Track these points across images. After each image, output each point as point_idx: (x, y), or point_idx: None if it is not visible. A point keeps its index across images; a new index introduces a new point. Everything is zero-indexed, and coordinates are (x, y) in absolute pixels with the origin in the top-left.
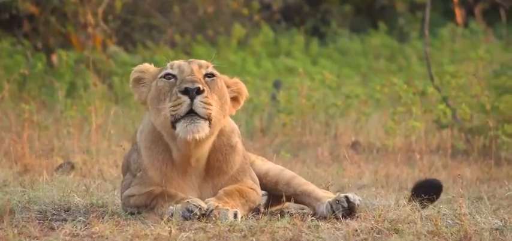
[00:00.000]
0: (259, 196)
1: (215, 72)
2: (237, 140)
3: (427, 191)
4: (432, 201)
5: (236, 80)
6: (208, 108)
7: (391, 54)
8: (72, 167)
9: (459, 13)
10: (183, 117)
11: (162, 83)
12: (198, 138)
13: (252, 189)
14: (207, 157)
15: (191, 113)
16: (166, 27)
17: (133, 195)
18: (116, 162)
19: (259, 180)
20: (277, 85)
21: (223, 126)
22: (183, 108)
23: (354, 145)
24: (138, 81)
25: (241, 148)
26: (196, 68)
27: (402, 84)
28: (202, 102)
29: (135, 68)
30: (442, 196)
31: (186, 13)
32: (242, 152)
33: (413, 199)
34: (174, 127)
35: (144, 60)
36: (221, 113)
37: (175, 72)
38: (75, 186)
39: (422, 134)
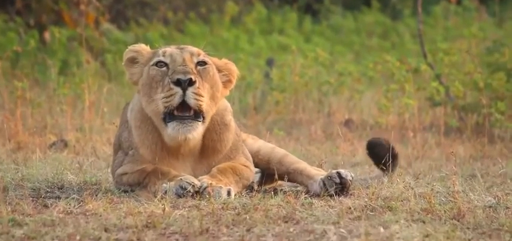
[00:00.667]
0: (252, 174)
1: (207, 59)
2: (230, 118)
3: (381, 152)
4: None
5: (225, 60)
6: (199, 100)
7: (384, 32)
8: (66, 145)
9: None
10: (175, 117)
11: (154, 71)
12: (190, 137)
13: (245, 166)
14: (201, 139)
15: (183, 104)
16: (159, 5)
17: (125, 173)
18: (109, 139)
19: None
20: (270, 63)
21: None
22: (176, 99)
23: (347, 122)
24: (132, 60)
25: (233, 126)
26: (188, 56)
27: (395, 62)
28: (194, 93)
29: (130, 47)
30: (436, 173)
31: None
32: (235, 130)
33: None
34: (165, 123)
35: (137, 37)
36: (213, 101)
37: (167, 60)
38: (68, 164)
39: (415, 112)
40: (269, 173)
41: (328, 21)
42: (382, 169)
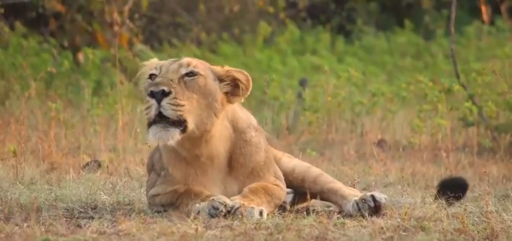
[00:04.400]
0: (283, 193)
1: (197, 70)
2: (253, 134)
3: (453, 189)
4: (458, 198)
5: (228, 68)
6: (178, 110)
7: (417, 52)
8: (99, 165)
9: (485, 11)
10: (154, 122)
11: (146, 83)
12: (168, 143)
13: (276, 185)
14: (227, 153)
15: (160, 116)
16: (192, 26)
17: (158, 194)
18: (142, 160)
19: (286, 177)
20: (303, 83)
21: (234, 122)
22: (152, 112)
23: (380, 143)
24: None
25: (260, 143)
26: (174, 67)
27: (428, 82)
28: (170, 104)
29: (144, 63)
30: (469, 194)
31: (211, 11)
32: (263, 147)
33: (439, 197)
34: (148, 131)
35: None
36: (210, 111)
37: (157, 72)
38: (101, 184)
39: (448, 132)
40: (301, 192)
41: (361, 42)
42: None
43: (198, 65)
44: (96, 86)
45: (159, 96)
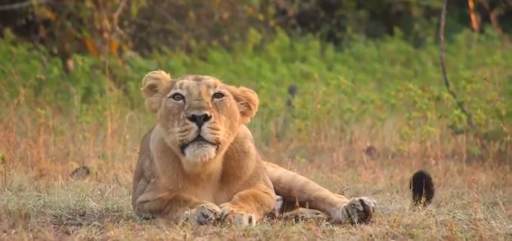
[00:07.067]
0: (273, 201)
1: (223, 90)
2: (250, 145)
3: (421, 184)
4: (432, 192)
5: (243, 88)
6: (216, 134)
7: (407, 60)
8: (88, 172)
9: (475, 19)
10: (191, 142)
11: (171, 103)
12: (204, 160)
13: (266, 193)
14: (221, 166)
15: (199, 138)
16: (181, 33)
17: (147, 201)
18: (131, 166)
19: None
20: (292, 90)
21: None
22: (191, 135)
23: (369, 150)
24: (151, 88)
25: (254, 153)
26: (204, 89)
27: (417, 90)
28: (210, 128)
29: (150, 74)
30: (458, 201)
31: (201, 19)
32: (255, 157)
33: (416, 197)
34: (183, 152)
35: (160, 66)
36: (231, 131)
37: (183, 93)
38: (90, 191)
39: (437, 139)
40: (290, 200)
41: (351, 49)
42: (416, 200)
43: (221, 85)
44: (86, 93)
45: (201, 120)
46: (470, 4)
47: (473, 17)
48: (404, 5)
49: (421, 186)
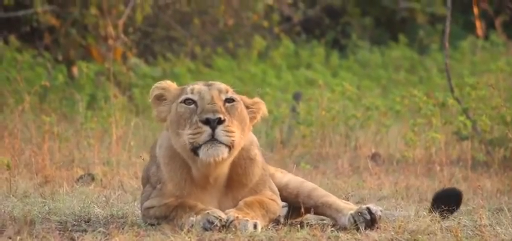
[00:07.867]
0: (279, 207)
1: (235, 96)
2: (256, 152)
3: (447, 201)
4: (452, 211)
5: (256, 99)
6: (231, 136)
7: (411, 66)
8: (93, 178)
9: (479, 25)
10: (204, 143)
11: (183, 108)
12: (218, 160)
13: (271, 199)
14: (227, 172)
15: (212, 139)
16: (186, 40)
17: (153, 207)
18: (136, 173)
19: (280, 192)
20: (297, 97)
21: None
22: (203, 137)
23: (374, 156)
24: (159, 98)
25: (260, 160)
26: (216, 94)
27: (422, 96)
28: (224, 131)
29: (156, 85)
30: (463, 207)
31: (206, 25)
32: (261, 164)
33: (433, 210)
34: (195, 153)
35: (164, 72)
36: (242, 136)
37: (195, 98)
38: (95, 197)
39: (442, 146)
40: (295, 207)
41: (356, 56)
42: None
43: (231, 91)
44: (90, 100)
45: (215, 124)
46: (475, 11)
47: (478, 23)
48: (409, 12)
49: (449, 202)
